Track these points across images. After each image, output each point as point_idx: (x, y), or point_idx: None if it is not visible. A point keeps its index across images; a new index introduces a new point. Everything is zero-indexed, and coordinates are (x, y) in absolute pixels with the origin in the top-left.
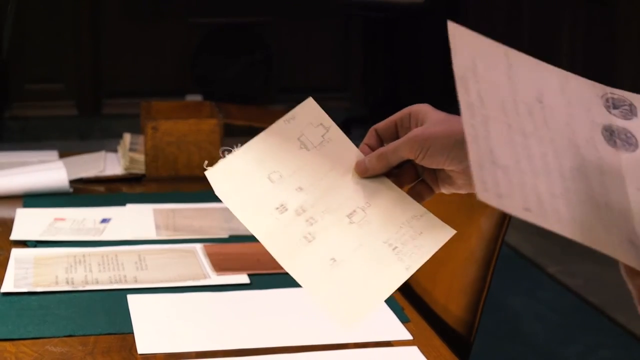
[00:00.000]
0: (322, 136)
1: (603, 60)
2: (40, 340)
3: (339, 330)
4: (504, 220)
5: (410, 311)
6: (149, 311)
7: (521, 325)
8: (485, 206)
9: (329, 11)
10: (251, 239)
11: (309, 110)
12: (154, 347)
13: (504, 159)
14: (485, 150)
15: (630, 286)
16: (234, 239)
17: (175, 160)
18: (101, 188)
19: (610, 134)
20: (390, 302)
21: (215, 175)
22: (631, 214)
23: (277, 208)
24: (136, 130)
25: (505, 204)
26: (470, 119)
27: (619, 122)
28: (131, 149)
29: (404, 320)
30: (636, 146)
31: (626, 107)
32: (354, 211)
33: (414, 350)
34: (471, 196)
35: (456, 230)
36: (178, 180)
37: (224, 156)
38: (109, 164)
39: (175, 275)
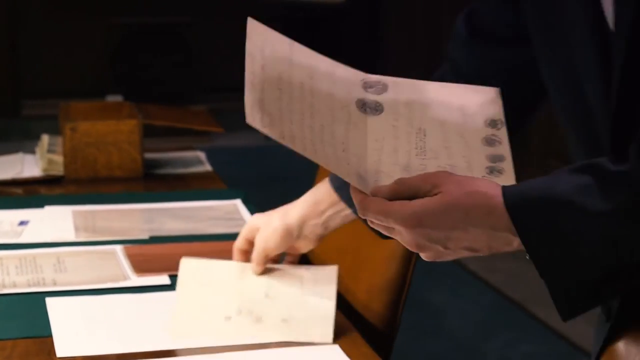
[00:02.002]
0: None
1: None
2: None
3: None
4: None
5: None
6: (68, 314)
7: (444, 321)
8: None
9: (250, 11)
10: (172, 239)
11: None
12: (73, 350)
13: (270, 107)
14: (258, 96)
15: (354, 198)
16: (155, 240)
17: (95, 161)
18: (19, 190)
19: (363, 104)
20: None
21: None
22: (365, 158)
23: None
24: (56, 131)
25: (267, 131)
26: (250, 66)
27: (371, 96)
28: (49, 151)
29: None
30: (381, 111)
31: (380, 86)
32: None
33: (336, 349)
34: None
35: None
36: (97, 182)
37: None
38: (26, 165)
39: (94, 277)
